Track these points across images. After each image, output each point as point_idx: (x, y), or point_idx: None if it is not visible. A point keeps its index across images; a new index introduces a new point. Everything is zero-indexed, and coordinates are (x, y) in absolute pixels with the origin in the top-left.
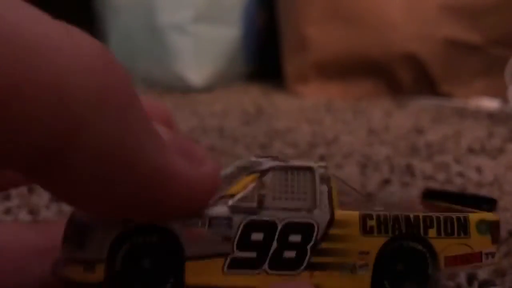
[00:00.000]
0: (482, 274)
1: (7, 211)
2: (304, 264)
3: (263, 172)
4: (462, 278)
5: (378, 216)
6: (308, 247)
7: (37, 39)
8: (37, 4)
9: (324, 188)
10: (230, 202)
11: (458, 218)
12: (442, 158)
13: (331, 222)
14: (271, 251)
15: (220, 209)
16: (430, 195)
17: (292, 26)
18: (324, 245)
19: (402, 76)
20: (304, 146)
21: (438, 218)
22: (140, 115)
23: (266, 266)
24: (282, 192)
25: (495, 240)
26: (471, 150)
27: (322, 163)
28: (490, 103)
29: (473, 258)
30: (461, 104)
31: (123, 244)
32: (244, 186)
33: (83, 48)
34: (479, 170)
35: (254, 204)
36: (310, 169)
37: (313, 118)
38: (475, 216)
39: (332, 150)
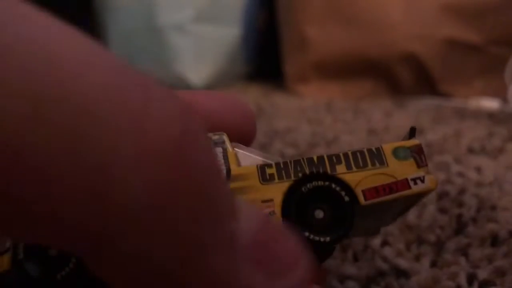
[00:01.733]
0: (482, 274)
1: None
2: None
3: None
4: (462, 278)
5: (278, 164)
6: None
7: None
8: (37, 5)
9: (219, 149)
10: None
11: (370, 150)
12: (442, 158)
13: (228, 176)
14: None
15: None
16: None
17: (292, 26)
18: None
19: (402, 76)
20: (304, 146)
21: (345, 154)
22: (213, 207)
23: None
24: None
25: (421, 164)
26: (471, 150)
27: (220, 133)
28: (490, 103)
29: (399, 186)
30: (461, 104)
31: None
32: None
33: (164, 123)
34: (479, 170)
35: None
36: None
37: (313, 118)
38: (390, 145)
39: (332, 150)
